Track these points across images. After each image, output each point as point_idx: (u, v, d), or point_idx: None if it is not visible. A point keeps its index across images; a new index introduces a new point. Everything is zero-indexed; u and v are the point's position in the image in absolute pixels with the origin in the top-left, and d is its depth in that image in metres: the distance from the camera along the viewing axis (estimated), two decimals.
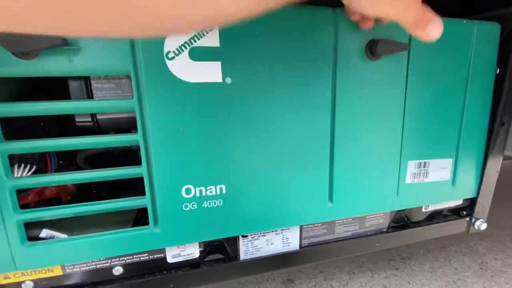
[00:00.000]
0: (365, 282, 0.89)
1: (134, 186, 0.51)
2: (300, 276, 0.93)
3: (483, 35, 0.51)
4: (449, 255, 1.00)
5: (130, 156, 0.51)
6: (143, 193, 0.40)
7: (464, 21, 0.50)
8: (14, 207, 0.36)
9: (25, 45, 0.31)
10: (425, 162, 0.53)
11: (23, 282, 0.40)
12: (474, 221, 0.62)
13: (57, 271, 0.41)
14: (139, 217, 0.47)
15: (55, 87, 0.44)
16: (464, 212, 0.63)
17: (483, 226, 0.61)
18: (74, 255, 0.39)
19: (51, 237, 0.40)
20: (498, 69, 0.55)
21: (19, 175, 0.40)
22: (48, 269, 0.41)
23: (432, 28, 0.29)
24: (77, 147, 0.36)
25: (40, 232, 0.39)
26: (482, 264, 0.95)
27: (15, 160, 0.40)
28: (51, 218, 0.38)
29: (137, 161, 0.39)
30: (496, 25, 0.53)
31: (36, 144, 0.35)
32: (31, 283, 0.41)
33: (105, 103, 0.36)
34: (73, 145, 0.35)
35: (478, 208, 0.61)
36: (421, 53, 0.48)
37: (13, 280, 0.40)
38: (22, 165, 0.40)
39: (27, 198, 0.43)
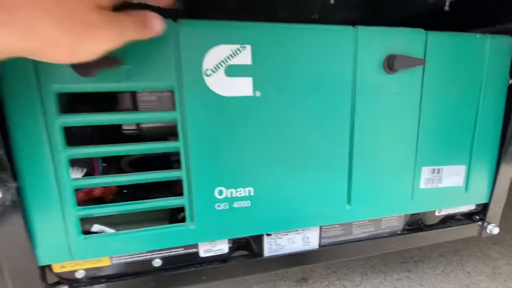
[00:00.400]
0: (377, 284, 0.91)
1: (162, 188, 0.56)
2: (313, 276, 0.96)
3: (495, 48, 0.54)
4: (462, 259, 1.01)
5: (162, 160, 0.56)
6: (173, 193, 0.45)
7: (478, 36, 0.53)
8: (73, 204, 0.41)
9: (90, 67, 0.36)
10: (438, 169, 0.56)
11: (76, 271, 0.46)
12: (487, 226, 0.64)
13: (106, 262, 0.47)
14: (174, 215, 0.52)
15: (94, 98, 0.49)
16: (477, 217, 0.66)
17: (495, 231, 0.63)
18: (121, 248, 0.44)
19: (101, 232, 0.45)
20: (511, 80, 0.58)
21: (74, 177, 0.45)
22: (98, 260, 0.46)
23: (154, 22, 0.32)
24: (128, 153, 0.41)
25: (91, 227, 0.45)
26: (495, 268, 0.96)
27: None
28: (102, 215, 0.43)
29: (168, 165, 0.44)
30: (508, 38, 0.55)
31: (94, 150, 0.40)
32: (83, 272, 0.46)
33: (152, 114, 0.41)
34: (125, 151, 0.41)
35: (490, 213, 0.64)
36: (436, 67, 0.51)
37: (68, 269, 0.46)
38: (76, 168, 0.46)
39: (78, 196, 0.48)
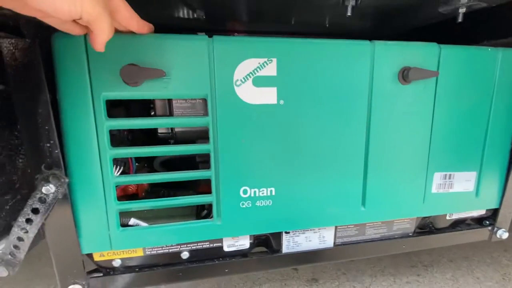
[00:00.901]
0: (387, 286, 0.93)
1: (187, 187, 0.61)
2: (324, 276, 0.99)
3: (507, 60, 0.57)
4: (472, 264, 1.02)
5: (188, 162, 0.60)
6: (197, 192, 0.49)
7: (489, 49, 0.56)
8: (114, 199, 0.46)
9: (137, 77, 0.41)
10: (450, 174, 0.59)
11: (113, 260, 0.51)
12: (496, 231, 0.66)
13: (139, 253, 0.51)
14: (198, 212, 0.57)
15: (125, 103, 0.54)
16: (487, 222, 0.68)
17: (505, 235, 0.65)
18: (154, 240, 0.49)
19: (137, 225, 0.50)
20: None
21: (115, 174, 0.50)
22: (133, 251, 0.51)
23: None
24: (166, 154, 0.46)
25: (129, 220, 0.49)
26: (505, 275, 0.96)
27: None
28: (139, 209, 0.48)
29: (193, 166, 0.47)
30: None
31: (137, 150, 0.45)
32: (119, 261, 0.51)
33: (187, 120, 0.46)
34: (164, 152, 0.46)
35: (500, 218, 0.66)
36: (449, 78, 0.54)
37: (106, 258, 0.51)
38: (115, 166, 0.51)
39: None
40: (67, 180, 0.43)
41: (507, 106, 0.59)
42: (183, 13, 0.63)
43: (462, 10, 0.56)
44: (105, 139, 0.44)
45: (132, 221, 0.50)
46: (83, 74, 0.41)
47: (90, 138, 0.43)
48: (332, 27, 0.75)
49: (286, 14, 0.68)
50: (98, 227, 0.46)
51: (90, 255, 0.50)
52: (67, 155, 0.43)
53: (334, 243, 0.59)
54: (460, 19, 0.57)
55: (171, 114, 0.49)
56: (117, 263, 0.51)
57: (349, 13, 0.55)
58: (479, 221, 0.69)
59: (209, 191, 0.49)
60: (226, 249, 0.54)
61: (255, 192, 0.50)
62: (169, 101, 0.48)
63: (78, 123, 0.42)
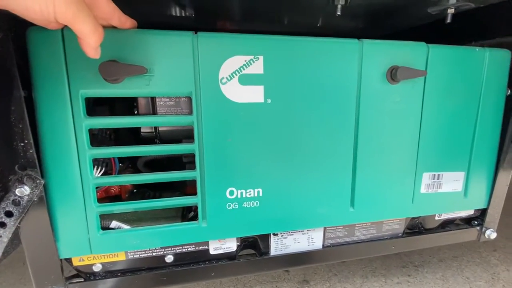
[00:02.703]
0: (378, 287, 0.93)
1: (173, 188, 0.59)
2: (315, 278, 0.98)
3: (494, 60, 0.57)
4: (462, 264, 1.03)
5: (174, 162, 0.59)
6: (183, 194, 0.48)
7: (477, 49, 0.56)
8: (94, 201, 0.44)
9: (117, 74, 0.39)
10: (438, 174, 0.59)
11: (94, 264, 0.49)
12: (485, 230, 0.66)
13: (121, 257, 0.49)
14: (184, 214, 0.55)
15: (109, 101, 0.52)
16: (475, 222, 0.68)
17: (493, 235, 0.66)
18: (136, 243, 0.47)
19: (118, 228, 0.48)
20: (509, 91, 0.60)
21: (95, 175, 0.48)
22: (114, 254, 0.49)
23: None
24: (148, 154, 0.44)
25: (110, 223, 0.47)
26: (494, 274, 0.97)
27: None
28: (120, 212, 0.46)
29: (181, 167, 0.46)
30: (507, 52, 0.58)
31: (117, 150, 0.43)
32: (100, 266, 0.49)
33: (171, 118, 0.44)
34: (146, 151, 0.44)
35: (488, 218, 0.66)
36: (437, 78, 0.54)
37: (86, 262, 0.48)
38: (96, 167, 0.49)
39: (97, 195, 0.51)
40: (42, 181, 0.41)
41: (494, 106, 0.60)
42: (172, 11, 0.62)
43: (450, 11, 0.56)
44: (84, 138, 0.42)
45: (114, 224, 0.48)
46: (60, 70, 0.39)
47: (67, 137, 0.41)
48: (323, 28, 0.75)
49: (276, 13, 0.67)
50: (77, 231, 0.44)
51: (69, 260, 0.48)
52: (43, 155, 0.41)
53: (323, 244, 0.59)
54: (448, 20, 0.58)
55: (154, 112, 0.47)
56: (97, 267, 0.49)
57: (338, 12, 0.55)
58: (467, 221, 0.69)
59: (196, 193, 0.47)
60: (212, 252, 0.53)
61: (242, 193, 0.49)
62: (152, 99, 0.47)
63: (55, 121, 0.40)
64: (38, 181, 0.41)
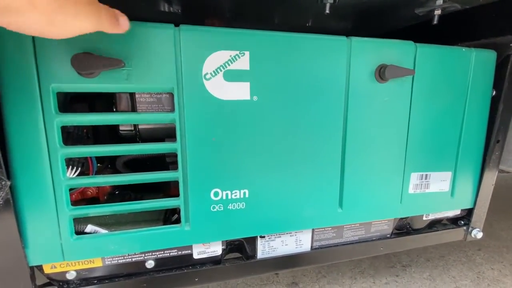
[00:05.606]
0: (366, 287, 0.93)
1: (156, 189, 0.56)
2: (304, 280, 0.97)
3: (480, 61, 0.57)
4: (448, 264, 1.04)
5: (157, 162, 0.56)
6: (167, 195, 0.45)
7: (463, 49, 0.56)
8: (67, 203, 0.41)
9: (92, 67, 0.36)
10: (426, 174, 0.58)
11: (67, 272, 0.45)
12: (471, 230, 0.67)
13: (98, 263, 0.46)
14: (168, 217, 0.52)
15: (89, 97, 0.49)
16: (462, 222, 0.68)
17: (479, 235, 0.66)
18: (114, 249, 0.44)
19: (94, 232, 0.45)
20: (494, 92, 0.61)
21: (69, 176, 0.45)
22: (90, 261, 0.46)
23: (123, 20, 0.32)
24: (126, 153, 0.41)
25: (85, 227, 0.44)
26: (479, 273, 0.99)
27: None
28: (96, 215, 0.43)
29: (163, 167, 0.44)
30: (492, 53, 0.59)
31: (91, 149, 0.40)
32: (74, 273, 0.46)
33: (150, 116, 0.42)
34: (124, 151, 0.41)
35: (475, 218, 0.66)
36: (424, 77, 0.54)
37: (58, 270, 0.45)
38: (70, 167, 0.46)
39: (72, 197, 0.48)
40: (8, 182, 0.38)
41: (480, 107, 0.60)
42: (157, 5, 0.59)
43: (437, 12, 0.57)
44: (56, 136, 0.39)
45: (89, 228, 0.45)
46: (28, 63, 0.36)
47: (37, 135, 0.38)
48: (313, 28, 0.74)
49: (265, 12, 0.66)
50: (48, 236, 0.41)
51: (40, 267, 0.44)
52: (10, 154, 0.38)
53: (312, 246, 0.57)
54: (435, 21, 0.58)
55: (134, 109, 0.45)
56: (71, 275, 0.46)
57: (327, 11, 0.54)
58: (454, 221, 0.70)
59: (179, 194, 0.45)
60: (196, 256, 0.50)
61: (227, 194, 0.47)
62: (132, 95, 0.44)
63: (23, 118, 0.37)
64: (3, 182, 0.38)
